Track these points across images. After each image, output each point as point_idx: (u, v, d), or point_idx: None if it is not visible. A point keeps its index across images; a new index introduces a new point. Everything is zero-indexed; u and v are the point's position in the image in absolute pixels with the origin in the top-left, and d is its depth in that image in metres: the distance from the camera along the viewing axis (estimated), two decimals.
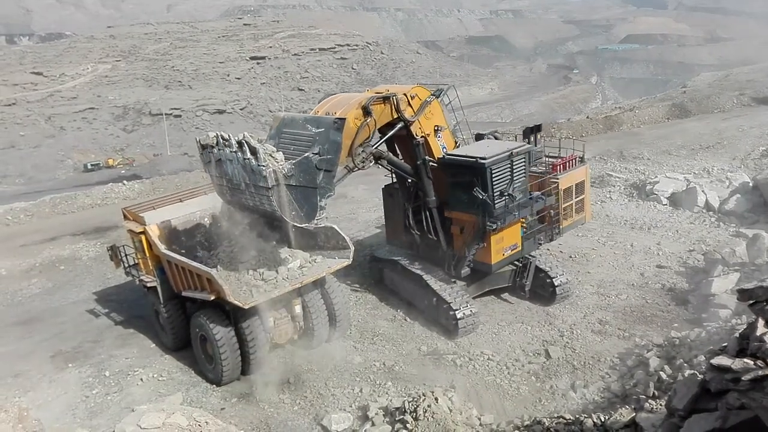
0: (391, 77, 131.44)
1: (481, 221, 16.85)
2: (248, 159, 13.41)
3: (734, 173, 29.11)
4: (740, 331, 7.05)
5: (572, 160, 19.76)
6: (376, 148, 16.50)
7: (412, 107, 16.87)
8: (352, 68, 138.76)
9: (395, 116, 16.48)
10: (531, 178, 18.44)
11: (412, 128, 16.97)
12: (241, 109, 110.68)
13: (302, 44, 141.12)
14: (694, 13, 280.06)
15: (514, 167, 16.91)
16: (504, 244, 17.85)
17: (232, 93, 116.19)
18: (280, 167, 13.40)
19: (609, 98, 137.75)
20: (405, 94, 16.75)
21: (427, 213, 18.33)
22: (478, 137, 19.78)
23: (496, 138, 19.54)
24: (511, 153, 16.74)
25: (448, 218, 18.08)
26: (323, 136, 13.88)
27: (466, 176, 16.79)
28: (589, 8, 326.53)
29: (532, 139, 19.80)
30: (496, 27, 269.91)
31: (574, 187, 19.64)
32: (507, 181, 16.79)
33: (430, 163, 17.51)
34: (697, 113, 46.41)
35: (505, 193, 16.67)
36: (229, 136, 14.07)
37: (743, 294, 6.93)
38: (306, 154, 13.66)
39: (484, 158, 16.32)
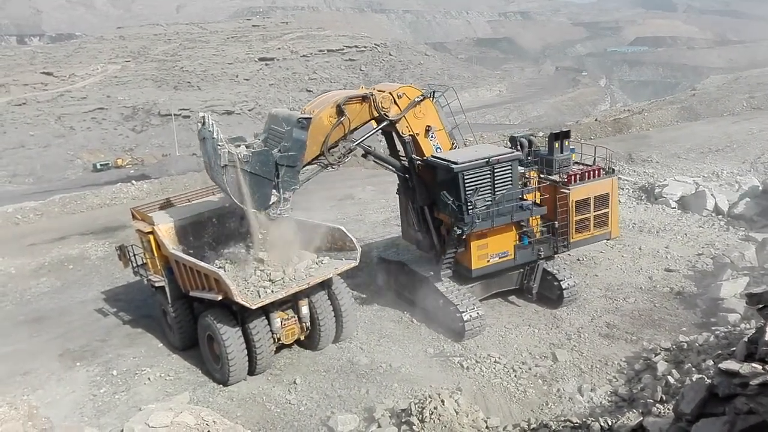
0: (399, 79, 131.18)
1: (452, 225, 17.07)
2: (214, 138, 14.63)
3: (744, 177, 28.96)
4: (749, 336, 7.03)
5: (595, 170, 18.83)
6: (357, 144, 16.82)
7: (398, 106, 17.05)
8: (360, 70, 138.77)
9: (375, 114, 16.78)
10: (544, 188, 18.44)
11: (398, 126, 17.25)
12: (249, 110, 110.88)
13: (311, 46, 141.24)
14: (704, 16, 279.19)
15: (495, 174, 16.85)
16: (489, 250, 17.72)
17: (240, 94, 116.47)
18: (237, 151, 14.54)
19: (618, 101, 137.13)
20: (390, 93, 16.96)
21: (421, 211, 18.45)
22: (512, 140, 19.72)
23: (530, 141, 19.35)
24: (488, 160, 16.66)
25: (437, 218, 18.14)
26: (288, 133, 14.93)
27: (442, 179, 17.10)
28: (598, 10, 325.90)
29: (557, 145, 18.94)
30: (504, 29, 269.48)
31: (592, 199, 18.59)
32: (484, 188, 16.78)
33: (417, 163, 17.66)
34: (706, 116, 46.21)
35: (470, 200, 16.53)
36: (208, 117, 15.32)
37: (752, 298, 6.91)
38: (266, 148, 15.05)
39: (456, 163, 16.44)
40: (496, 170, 16.85)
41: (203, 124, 15.36)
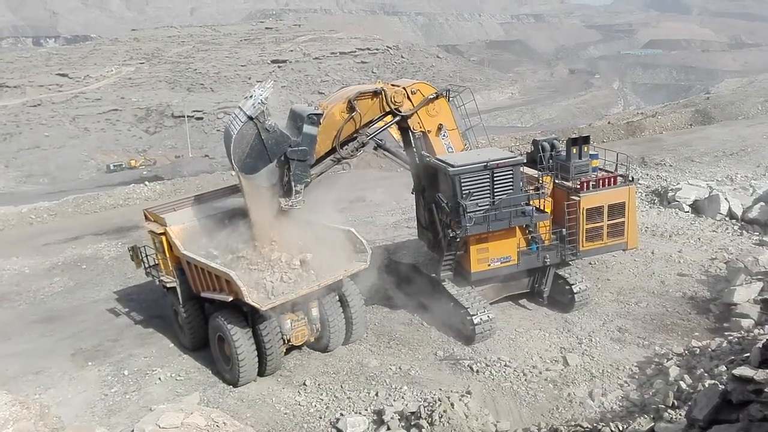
0: None
1: (447, 227, 17.10)
2: (261, 95, 14.79)
3: (758, 181, 28.67)
4: (763, 342, 6.95)
5: (612, 178, 18.34)
6: (371, 138, 17.02)
7: (411, 101, 17.12)
8: (373, 72, 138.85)
9: (387, 109, 16.90)
10: (557, 194, 18.26)
11: (410, 122, 17.33)
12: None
13: (323, 48, 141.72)
14: (719, 19, 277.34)
15: (495, 178, 16.71)
16: (489, 254, 17.57)
17: None
18: (269, 118, 14.85)
19: (631, 104, 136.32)
20: (404, 88, 17.02)
21: (429, 211, 18.43)
22: (535, 143, 19.65)
23: (552, 145, 19.19)
24: (486, 164, 16.56)
25: (441, 219, 18.07)
26: (300, 128, 15.37)
27: (440, 181, 17.17)
28: (611, 13, 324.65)
29: (575, 151, 18.49)
30: (517, 31, 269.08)
31: (606, 208, 18.06)
32: (481, 192, 16.67)
33: (426, 160, 17.68)
34: (720, 120, 45.83)
35: (465, 203, 16.42)
36: (271, 82, 15.85)
37: (767, 304, 6.84)
38: (286, 134, 15.40)
39: (453, 165, 16.43)
40: (495, 174, 16.73)
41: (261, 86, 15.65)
